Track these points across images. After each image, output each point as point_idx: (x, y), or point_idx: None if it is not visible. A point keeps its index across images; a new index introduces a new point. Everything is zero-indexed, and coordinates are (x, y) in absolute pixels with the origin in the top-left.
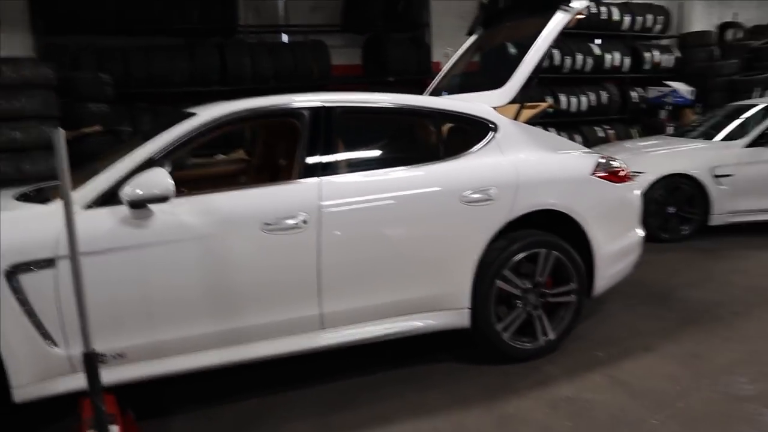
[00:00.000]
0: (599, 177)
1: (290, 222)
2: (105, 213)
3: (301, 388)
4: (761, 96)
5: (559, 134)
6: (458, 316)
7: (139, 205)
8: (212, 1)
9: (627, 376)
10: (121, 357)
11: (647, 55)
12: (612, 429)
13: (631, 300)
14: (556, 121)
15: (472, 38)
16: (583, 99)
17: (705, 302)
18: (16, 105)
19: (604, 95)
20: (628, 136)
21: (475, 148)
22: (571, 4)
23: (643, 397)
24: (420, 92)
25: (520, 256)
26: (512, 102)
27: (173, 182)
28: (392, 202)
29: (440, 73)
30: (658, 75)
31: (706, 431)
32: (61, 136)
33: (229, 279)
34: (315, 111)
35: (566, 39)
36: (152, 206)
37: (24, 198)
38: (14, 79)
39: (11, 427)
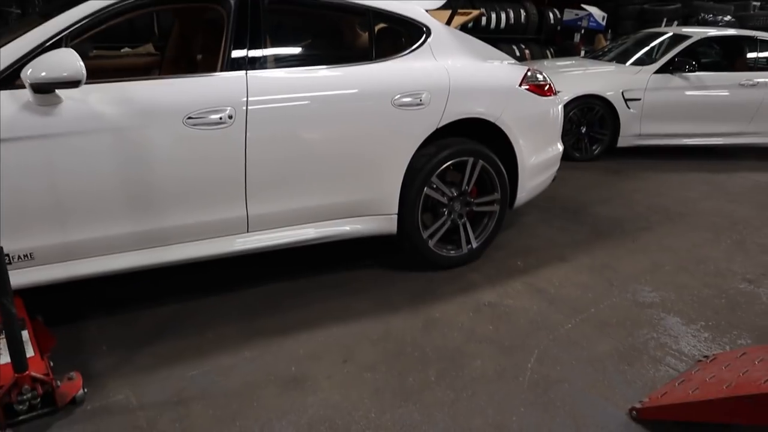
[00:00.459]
0: (526, 89)
1: (215, 116)
2: (3, 97)
3: (222, 294)
4: (668, 26)
5: None
6: (386, 222)
7: (44, 89)
8: None
9: (544, 284)
10: (28, 258)
11: None
12: (530, 332)
13: (546, 214)
14: (473, 36)
15: None
16: (503, 15)
17: (613, 218)
18: None
19: (522, 14)
20: (543, 57)
21: (408, 50)
22: None
23: (559, 304)
24: None
25: (449, 163)
26: (445, 6)
27: (83, 65)
28: (322, 101)
29: None
30: None
31: (614, 333)
32: None
33: (148, 176)
34: None
35: None
36: (60, 92)
37: None
38: None
39: None
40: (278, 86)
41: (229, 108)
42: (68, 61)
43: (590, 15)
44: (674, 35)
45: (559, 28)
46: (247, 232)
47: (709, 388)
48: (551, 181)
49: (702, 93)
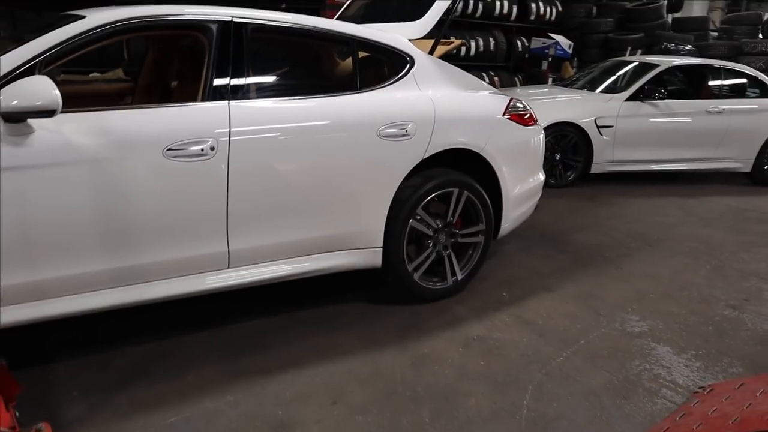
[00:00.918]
0: (509, 118)
1: (196, 148)
2: None
3: (202, 331)
4: (632, 54)
5: None
6: (371, 256)
7: (16, 118)
8: None
9: (532, 316)
10: None
11: (533, 5)
12: (523, 367)
13: (525, 242)
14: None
15: None
16: (473, 43)
17: (592, 245)
18: None
19: (491, 42)
20: (512, 84)
21: (392, 80)
22: None
23: (548, 336)
24: None
25: (434, 195)
26: (427, 36)
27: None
28: (307, 132)
29: (347, 2)
30: (542, 27)
31: (607, 365)
32: None
33: (125, 210)
34: (225, 26)
35: None
36: (32, 121)
37: None
38: None
39: None
40: (262, 117)
41: (210, 139)
42: (42, 89)
43: (557, 43)
44: (642, 64)
45: (527, 55)
46: (228, 267)
47: (714, 423)
48: (533, 210)
49: (671, 120)
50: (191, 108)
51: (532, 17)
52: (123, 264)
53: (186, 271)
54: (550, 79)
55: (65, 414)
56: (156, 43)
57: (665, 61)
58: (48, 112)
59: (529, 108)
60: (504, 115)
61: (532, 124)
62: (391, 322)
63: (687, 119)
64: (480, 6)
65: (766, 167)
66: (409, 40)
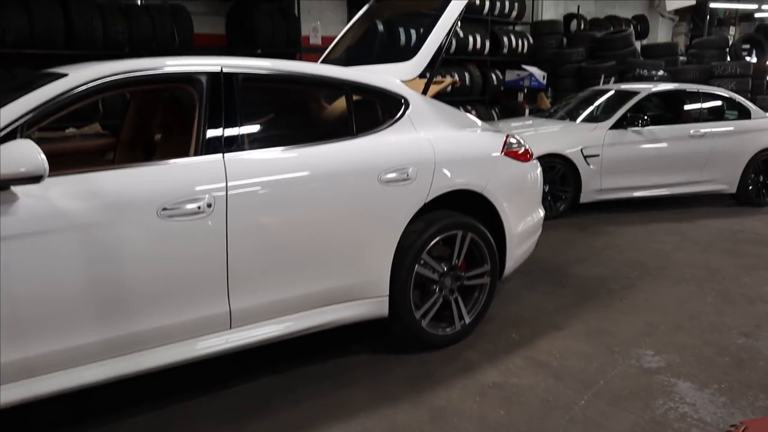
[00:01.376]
0: (508, 156)
1: (192, 206)
2: None
3: (203, 395)
4: (606, 82)
5: None
6: (377, 305)
7: None
8: None
9: (545, 357)
10: None
11: (505, 39)
12: (545, 414)
13: (526, 278)
14: None
15: (364, 9)
16: (448, 79)
17: (593, 278)
18: None
19: (467, 76)
20: (490, 117)
21: (388, 123)
22: None
23: (566, 378)
24: None
25: (438, 238)
26: (421, 76)
27: (45, 158)
28: (307, 182)
29: (332, 43)
30: (515, 59)
31: (631, 407)
32: None
33: (119, 278)
34: (214, 77)
35: None
36: (16, 188)
37: None
38: None
39: None
40: (258, 169)
41: (207, 196)
42: (27, 155)
43: (531, 75)
44: (621, 91)
45: (502, 88)
46: (231, 328)
47: None
48: (534, 247)
49: (655, 146)
50: (185, 163)
51: (505, 50)
52: (118, 333)
53: (186, 336)
54: (527, 110)
55: None
56: (138, 95)
57: (644, 88)
58: (34, 179)
59: (524, 143)
60: (502, 152)
61: (528, 160)
62: (401, 373)
63: (671, 144)
64: (453, 42)
65: (750, 188)
66: (402, 81)
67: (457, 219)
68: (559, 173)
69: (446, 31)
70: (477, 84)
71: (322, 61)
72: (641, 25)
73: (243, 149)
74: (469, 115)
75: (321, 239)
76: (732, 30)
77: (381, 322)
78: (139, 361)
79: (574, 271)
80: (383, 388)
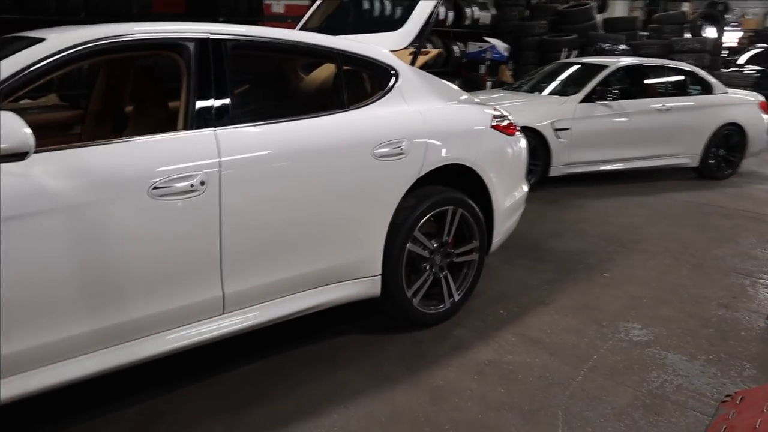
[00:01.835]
0: (496, 129)
1: (184, 184)
2: None
3: (195, 383)
4: (569, 56)
5: None
6: (370, 284)
7: None
8: None
9: (536, 333)
10: None
11: (468, 10)
12: (544, 391)
13: (505, 253)
14: None
15: None
16: (435, 50)
17: (571, 252)
18: None
19: (430, 48)
20: None
21: (378, 95)
22: None
23: (560, 354)
24: None
25: (430, 214)
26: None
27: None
28: (302, 157)
29: (309, 11)
30: (477, 31)
31: (627, 380)
32: None
33: (109, 263)
34: (202, 44)
35: None
36: None
37: None
38: None
39: None
40: (252, 143)
41: (200, 173)
42: (9, 128)
43: (493, 47)
44: (589, 65)
45: (464, 60)
46: (223, 313)
47: None
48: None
49: (624, 119)
50: (175, 138)
51: (468, 22)
52: (108, 322)
53: (178, 323)
54: (489, 83)
55: None
56: (108, 64)
57: (612, 62)
58: (18, 156)
59: (509, 117)
60: (490, 125)
61: (513, 133)
62: (394, 353)
63: (638, 118)
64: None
65: (711, 161)
66: (390, 51)
67: (448, 194)
68: (530, 146)
69: (435, 0)
70: (440, 55)
71: (300, 30)
72: None
73: (235, 122)
74: (454, 86)
75: (316, 217)
76: (685, 6)
77: (369, 301)
78: (130, 352)
79: (550, 245)
80: (379, 369)
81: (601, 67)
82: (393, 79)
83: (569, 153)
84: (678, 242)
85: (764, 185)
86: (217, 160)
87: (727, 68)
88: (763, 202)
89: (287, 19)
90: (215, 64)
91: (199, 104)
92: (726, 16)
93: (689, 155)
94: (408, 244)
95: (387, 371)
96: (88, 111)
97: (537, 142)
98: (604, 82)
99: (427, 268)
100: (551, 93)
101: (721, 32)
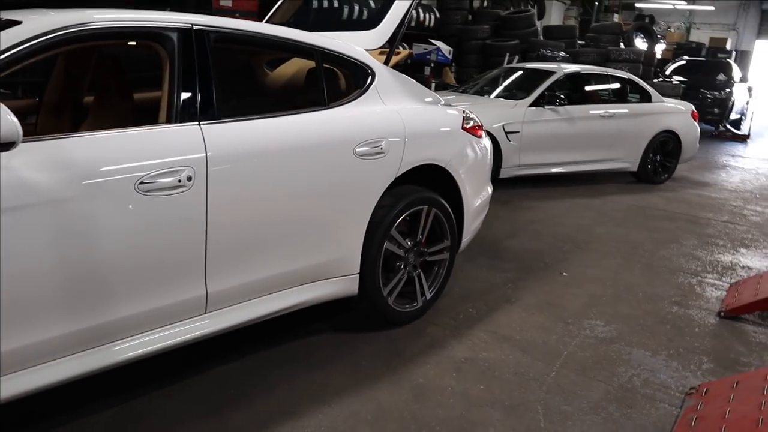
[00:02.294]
0: (466, 131)
1: (171, 179)
2: None
3: (170, 384)
4: (511, 61)
5: None
6: (349, 283)
7: None
8: None
9: (507, 331)
10: None
11: (413, 12)
12: (522, 386)
13: (466, 253)
14: None
15: None
16: (406, 50)
17: (529, 251)
18: None
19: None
20: None
21: (356, 94)
22: None
23: (532, 351)
24: None
25: (406, 214)
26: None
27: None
28: (286, 154)
29: (275, 7)
30: (422, 33)
31: (597, 375)
32: None
33: (92, 262)
34: (185, 34)
35: None
36: None
37: None
38: None
39: None
40: (238, 139)
41: (187, 168)
42: None
43: (438, 49)
44: (536, 70)
45: (409, 61)
46: (205, 312)
47: (741, 428)
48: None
49: (570, 124)
50: (161, 132)
51: (413, 23)
52: (91, 323)
53: (160, 323)
54: (433, 85)
55: None
56: (70, 51)
57: (559, 68)
58: (4, 146)
59: (477, 119)
60: (462, 127)
61: (480, 135)
62: (370, 351)
63: (583, 123)
64: (365, 12)
65: (649, 166)
66: (366, 50)
67: (423, 194)
68: None
69: (411, 0)
70: (410, 56)
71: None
72: (538, 6)
73: (220, 117)
74: (425, 87)
75: (300, 214)
76: (615, 17)
77: (339, 301)
78: (110, 355)
79: (509, 245)
80: (357, 368)
81: (549, 73)
82: (370, 78)
83: (519, 155)
84: (626, 243)
85: (696, 190)
86: (204, 155)
87: (657, 79)
88: (697, 206)
89: (235, 13)
90: (199, 56)
91: (184, 97)
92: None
93: (630, 160)
94: (385, 243)
95: (366, 370)
96: (44, 101)
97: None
98: (552, 88)
99: (402, 266)
100: (498, 96)
101: (653, 44)
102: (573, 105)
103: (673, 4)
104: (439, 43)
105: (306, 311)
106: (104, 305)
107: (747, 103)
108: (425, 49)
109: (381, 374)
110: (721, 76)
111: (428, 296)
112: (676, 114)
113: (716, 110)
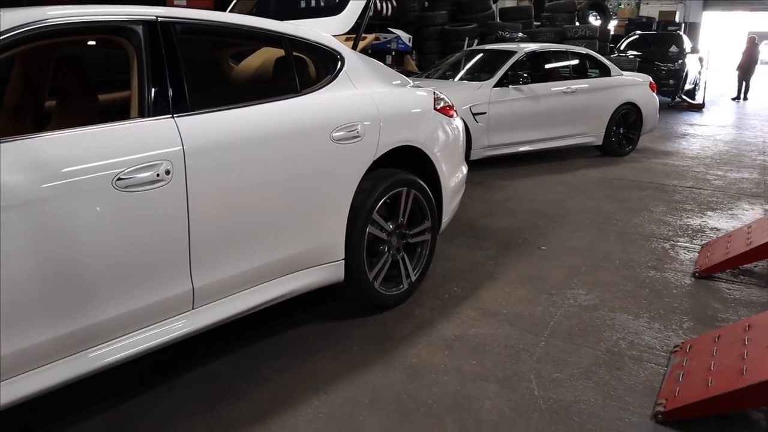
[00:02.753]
0: (438, 111)
1: (149, 174)
2: None
3: (160, 385)
4: (471, 44)
5: None
6: (334, 270)
7: None
8: None
9: (492, 306)
10: None
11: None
12: (513, 358)
13: (444, 234)
14: None
15: None
16: (371, 35)
17: (506, 228)
18: None
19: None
20: None
21: (328, 80)
22: None
23: (519, 324)
24: None
25: (386, 197)
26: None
27: None
28: (263, 143)
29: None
30: (380, 22)
31: (585, 342)
32: None
33: (72, 263)
34: (151, 27)
35: None
36: None
37: None
38: None
39: None
40: (213, 130)
41: (165, 161)
42: None
43: (398, 37)
44: (497, 51)
45: (369, 51)
46: (193, 308)
47: (726, 378)
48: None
49: (534, 102)
50: (134, 126)
51: (370, 13)
52: (75, 326)
53: (147, 322)
54: None
55: None
56: (26, 54)
57: (519, 47)
58: None
59: (447, 99)
60: (435, 108)
61: (452, 115)
62: (361, 336)
63: (547, 100)
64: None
65: (613, 139)
66: (334, 36)
67: (402, 176)
68: None
69: None
70: (377, 39)
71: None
72: None
73: (193, 108)
74: (393, 70)
75: (281, 202)
76: None
77: (324, 290)
78: (97, 357)
79: (485, 224)
80: (349, 354)
81: (510, 53)
82: (340, 63)
83: (487, 136)
84: (599, 214)
85: (660, 159)
86: (180, 148)
87: (611, 54)
88: (663, 174)
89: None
90: (167, 49)
91: (155, 91)
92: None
93: (594, 134)
94: (368, 227)
95: (358, 355)
96: (3, 107)
97: None
98: (514, 67)
99: (386, 250)
100: (462, 79)
101: (606, 20)
102: (536, 83)
103: None
104: (399, 32)
105: (290, 302)
106: (89, 307)
107: (699, 73)
108: (385, 38)
109: (373, 358)
110: (674, 48)
111: (413, 278)
112: (635, 86)
113: (671, 81)
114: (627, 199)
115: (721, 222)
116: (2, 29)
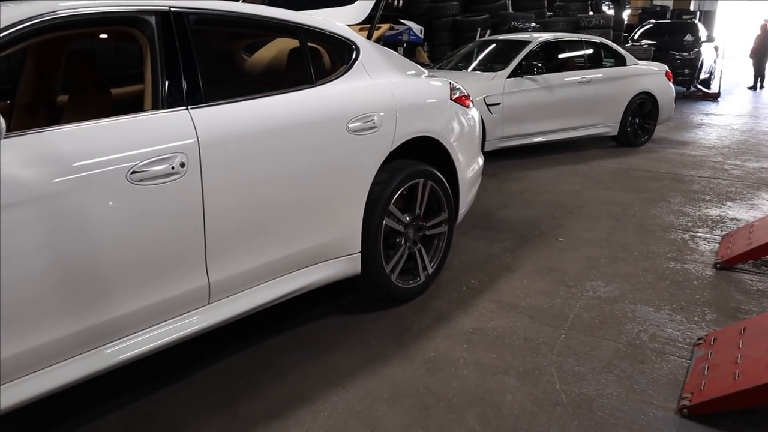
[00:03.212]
0: (455, 102)
1: (164, 167)
2: None
3: (176, 381)
4: (483, 35)
5: None
6: (351, 263)
7: None
8: None
9: (511, 299)
10: None
11: None
12: (534, 351)
13: (461, 226)
14: None
15: None
16: (386, 25)
17: (523, 220)
18: None
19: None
20: None
21: (343, 70)
22: None
23: (538, 316)
24: None
25: (403, 188)
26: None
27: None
28: (279, 134)
29: None
30: (392, 14)
31: (606, 334)
32: None
33: (88, 258)
34: (164, 17)
35: None
36: None
37: None
38: None
39: None
40: (228, 122)
41: (179, 154)
42: None
43: (410, 29)
44: (511, 41)
45: (381, 43)
46: (209, 303)
47: (755, 371)
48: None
49: (549, 93)
50: (149, 119)
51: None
52: (92, 322)
53: (163, 317)
54: None
55: None
56: (38, 50)
57: (533, 37)
58: None
59: (464, 90)
60: (450, 98)
61: (469, 106)
62: (378, 330)
63: (562, 90)
64: None
65: (628, 129)
66: (348, 25)
67: (418, 167)
68: None
69: None
70: (391, 29)
71: None
72: None
73: (208, 100)
74: (408, 60)
75: (297, 194)
76: None
77: (340, 284)
78: (111, 355)
79: (502, 215)
80: (366, 347)
81: (525, 43)
82: (355, 53)
83: (502, 127)
84: (616, 205)
85: (676, 149)
86: (195, 140)
87: (625, 43)
88: (680, 164)
89: None
90: (181, 39)
91: (169, 82)
92: None
93: (610, 124)
94: (384, 220)
95: (376, 348)
96: (16, 103)
97: None
98: (528, 57)
99: (402, 242)
100: (475, 70)
101: (620, 9)
102: (550, 73)
103: None
104: (410, 23)
105: (306, 296)
106: (104, 303)
107: (714, 62)
108: (396, 29)
109: (391, 352)
110: (689, 37)
111: (430, 271)
112: (651, 75)
113: (686, 71)
114: (644, 189)
115: (741, 212)
116: (14, 20)
